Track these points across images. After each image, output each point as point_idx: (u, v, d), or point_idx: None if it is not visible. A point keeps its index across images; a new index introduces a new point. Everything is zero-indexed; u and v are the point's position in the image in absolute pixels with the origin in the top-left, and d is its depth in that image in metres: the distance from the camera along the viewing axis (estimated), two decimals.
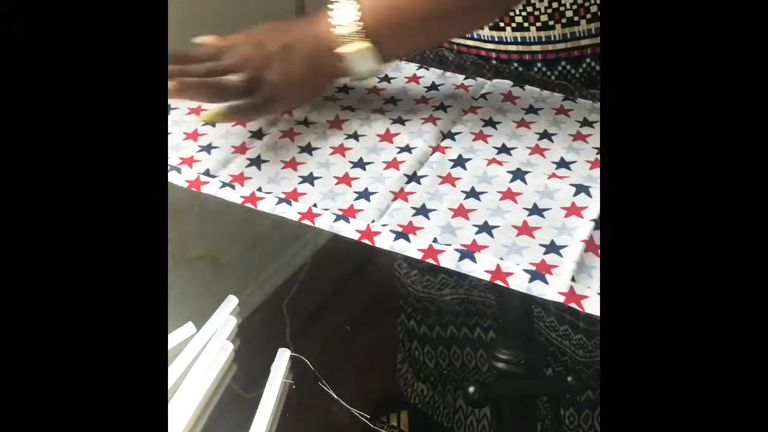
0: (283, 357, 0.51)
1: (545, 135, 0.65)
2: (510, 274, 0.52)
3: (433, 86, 0.74)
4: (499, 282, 0.52)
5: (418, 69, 0.77)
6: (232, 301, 0.55)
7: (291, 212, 0.59)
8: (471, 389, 0.50)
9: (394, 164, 0.63)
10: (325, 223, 0.58)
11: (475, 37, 0.75)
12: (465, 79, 0.75)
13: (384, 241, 0.56)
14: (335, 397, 0.48)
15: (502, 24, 0.73)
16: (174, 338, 0.52)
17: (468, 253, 0.54)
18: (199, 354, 0.51)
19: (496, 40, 0.74)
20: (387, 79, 0.75)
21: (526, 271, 0.52)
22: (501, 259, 0.54)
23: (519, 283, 0.52)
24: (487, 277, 0.53)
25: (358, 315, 0.58)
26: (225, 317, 0.53)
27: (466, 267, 0.54)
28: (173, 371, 0.49)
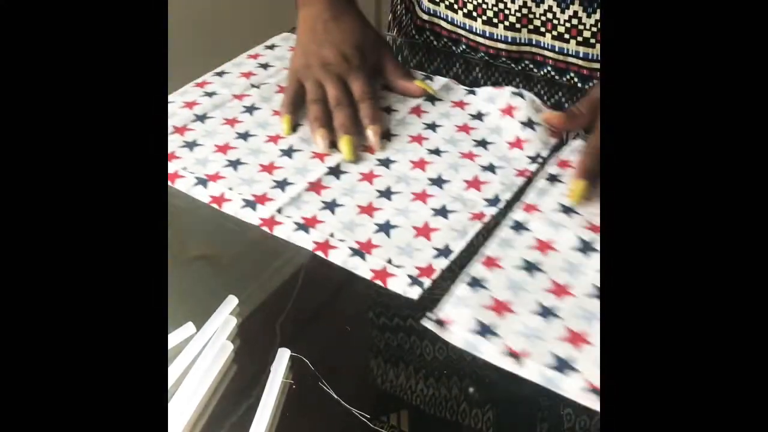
0: (283, 357, 0.51)
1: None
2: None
3: (479, 116, 0.72)
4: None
5: (466, 95, 0.75)
6: (232, 301, 0.54)
7: (306, 240, 0.59)
8: (471, 389, 0.50)
9: (421, 197, 0.63)
10: (339, 257, 0.58)
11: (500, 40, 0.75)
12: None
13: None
14: (335, 397, 0.48)
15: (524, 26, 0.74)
16: (174, 338, 0.52)
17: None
18: (199, 354, 0.51)
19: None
20: (432, 100, 0.74)
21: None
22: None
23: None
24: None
25: (359, 315, 0.58)
26: (225, 317, 0.53)
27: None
28: (173, 371, 0.49)
